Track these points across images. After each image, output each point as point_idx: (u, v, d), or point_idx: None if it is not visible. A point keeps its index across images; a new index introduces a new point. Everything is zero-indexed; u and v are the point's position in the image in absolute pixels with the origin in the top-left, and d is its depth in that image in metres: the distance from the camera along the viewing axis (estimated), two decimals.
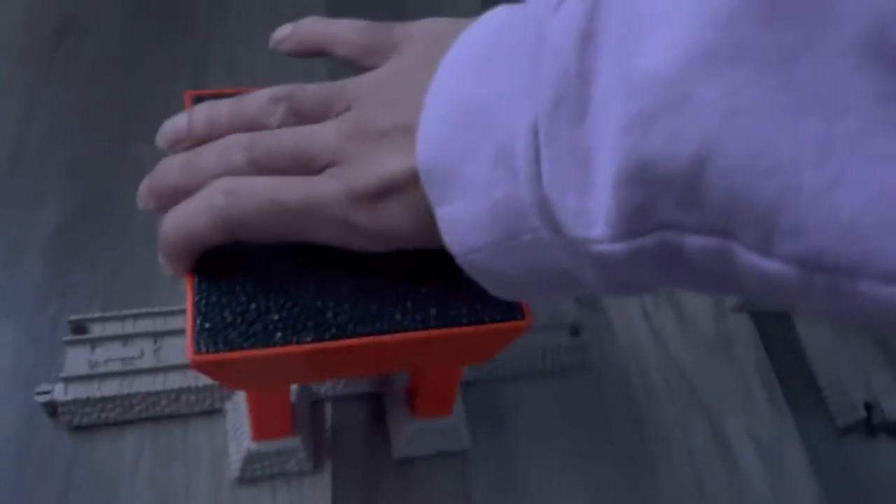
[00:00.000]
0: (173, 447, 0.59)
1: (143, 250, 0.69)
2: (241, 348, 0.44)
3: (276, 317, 0.46)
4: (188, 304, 0.45)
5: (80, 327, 0.62)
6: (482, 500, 0.59)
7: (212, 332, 0.44)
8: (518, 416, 0.64)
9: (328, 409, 0.63)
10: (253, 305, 0.46)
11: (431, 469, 0.60)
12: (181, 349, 0.62)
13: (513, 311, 0.48)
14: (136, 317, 0.63)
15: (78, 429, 0.59)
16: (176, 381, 0.60)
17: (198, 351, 0.44)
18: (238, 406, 0.59)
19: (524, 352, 0.66)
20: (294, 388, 0.60)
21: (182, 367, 0.60)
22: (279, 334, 0.45)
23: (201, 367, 0.44)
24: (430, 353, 0.49)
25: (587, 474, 0.61)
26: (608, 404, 0.66)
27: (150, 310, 0.63)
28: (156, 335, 0.62)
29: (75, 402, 0.58)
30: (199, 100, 0.56)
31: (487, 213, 0.37)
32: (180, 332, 0.62)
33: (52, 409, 0.58)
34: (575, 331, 0.68)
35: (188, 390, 0.60)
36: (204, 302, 0.46)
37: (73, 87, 0.81)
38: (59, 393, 0.58)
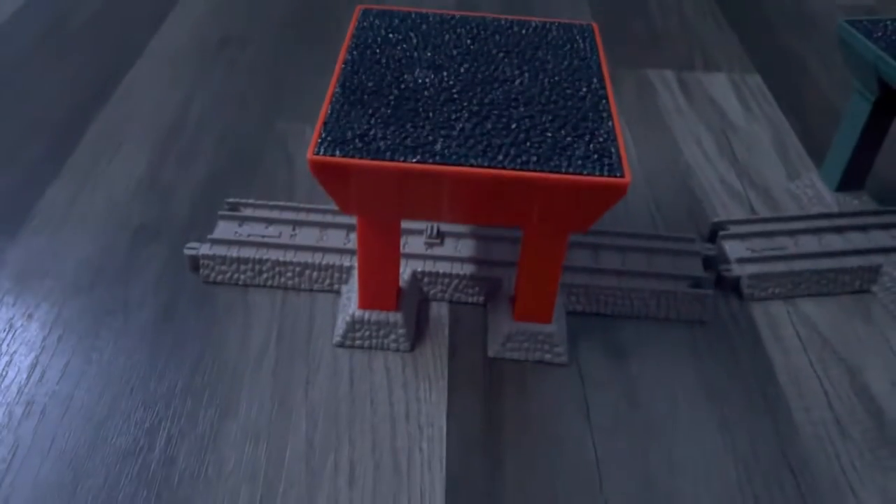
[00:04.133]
0: (299, 313, 0.64)
1: (285, 188, 0.77)
2: (353, 157, 0.49)
3: (389, 142, 0.50)
4: (321, 116, 0.51)
5: (234, 206, 0.70)
6: (603, 421, 0.57)
7: (332, 143, 0.50)
8: (640, 352, 0.62)
9: (435, 307, 0.65)
10: (373, 131, 0.51)
11: (537, 376, 0.60)
12: (313, 236, 0.67)
13: (612, 168, 0.49)
14: (282, 207, 0.70)
15: (215, 284, 0.66)
16: (303, 257, 0.65)
17: (317, 153, 0.49)
18: (351, 286, 0.63)
19: (638, 293, 0.64)
20: (404, 277, 0.63)
21: (310, 249, 0.66)
22: (388, 153, 0.49)
23: (317, 168, 0.49)
24: (528, 203, 0.50)
25: (717, 408, 0.58)
26: (737, 350, 0.62)
27: (295, 204, 0.70)
28: (295, 223, 0.69)
29: (214, 257, 0.65)
30: (367, 14, 0.65)
31: None
32: (315, 223, 0.68)
33: (194, 262, 0.66)
34: (696, 284, 0.65)
35: (311, 266, 0.65)
36: (334, 118, 0.51)
37: (230, 83, 0.94)
38: (205, 249, 0.65)
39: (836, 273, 0.68)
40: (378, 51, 0.59)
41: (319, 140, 0.50)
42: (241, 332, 0.62)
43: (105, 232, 0.71)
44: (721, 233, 0.70)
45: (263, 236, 0.67)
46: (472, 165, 0.49)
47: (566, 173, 0.49)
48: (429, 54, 0.58)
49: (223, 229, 0.68)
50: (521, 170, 0.49)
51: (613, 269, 0.65)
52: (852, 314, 0.66)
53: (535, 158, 0.49)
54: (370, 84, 0.55)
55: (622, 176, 0.49)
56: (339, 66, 0.57)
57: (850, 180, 0.75)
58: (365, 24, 0.62)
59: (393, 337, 0.60)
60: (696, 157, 0.85)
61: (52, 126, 0.84)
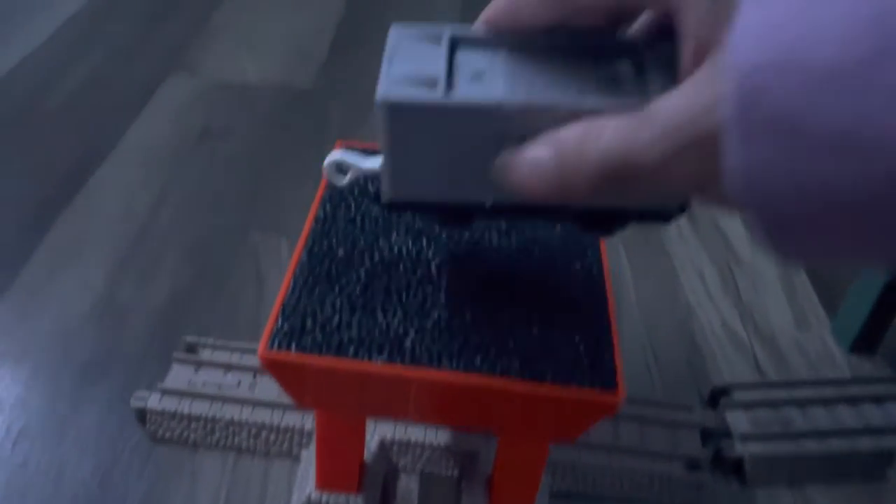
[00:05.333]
0: (251, 481, 0.57)
1: (251, 314, 0.71)
2: (311, 353, 0.43)
3: (354, 333, 0.44)
4: (276, 302, 0.45)
5: (191, 347, 0.64)
6: None
7: (288, 334, 0.44)
8: None
9: (404, 480, 0.58)
10: (336, 318, 0.45)
11: None
12: (274, 388, 0.61)
13: (604, 380, 0.43)
14: (244, 350, 0.64)
15: (162, 441, 0.59)
16: (260, 416, 0.59)
17: (270, 347, 0.43)
18: (311, 453, 0.57)
19: (632, 474, 0.58)
20: (370, 447, 0.57)
21: (270, 406, 0.60)
22: (351, 349, 0.43)
23: (269, 365, 0.43)
24: (505, 410, 0.44)
25: None
26: None
27: (257, 345, 0.64)
28: (256, 371, 0.63)
29: (163, 413, 0.59)
30: (349, 148, 0.59)
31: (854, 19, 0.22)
32: None
33: (142, 415, 0.59)
34: (693, 464, 0.59)
35: (269, 428, 0.58)
36: (292, 304, 0.45)
37: (206, 181, 0.88)
38: (154, 402, 0.59)
39: (848, 456, 0.61)
40: (353, 207, 0.53)
41: (275, 329, 0.44)
42: (185, 501, 0.56)
43: (47, 368, 0.64)
44: (723, 399, 0.64)
45: (220, 386, 0.61)
46: (444, 369, 0.43)
47: (551, 383, 0.43)
48: (409, 214, 0.53)
49: (176, 375, 0.62)
50: (500, 375, 0.43)
51: (603, 444, 0.59)
52: None
53: (516, 364, 0.43)
54: (340, 251, 0.49)
55: (614, 389, 0.43)
56: (308, 224, 0.51)
57: (865, 342, 0.69)
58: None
59: None
60: (697, 293, 0.79)
61: (9, 229, 0.79)
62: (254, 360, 0.64)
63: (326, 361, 0.43)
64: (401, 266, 0.49)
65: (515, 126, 0.38)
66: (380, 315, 0.46)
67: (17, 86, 1.03)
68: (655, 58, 0.41)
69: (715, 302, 0.78)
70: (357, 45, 1.20)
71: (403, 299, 0.47)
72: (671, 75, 0.40)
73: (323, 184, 0.56)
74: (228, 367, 0.63)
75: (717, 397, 0.66)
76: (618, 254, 0.84)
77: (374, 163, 0.44)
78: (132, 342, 0.67)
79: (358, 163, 0.46)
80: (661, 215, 0.41)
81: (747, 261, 0.84)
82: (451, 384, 0.43)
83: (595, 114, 0.35)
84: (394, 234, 0.51)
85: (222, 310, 0.72)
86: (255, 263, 0.77)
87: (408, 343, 0.44)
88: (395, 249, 0.50)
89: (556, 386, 0.43)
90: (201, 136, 0.96)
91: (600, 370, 0.44)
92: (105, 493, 0.55)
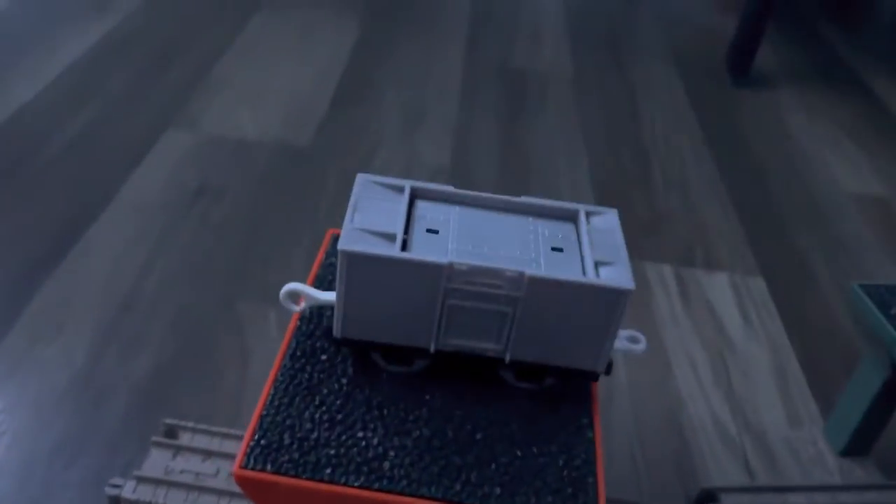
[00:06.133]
0: None
1: (234, 394, 0.70)
2: (286, 474, 0.42)
3: (332, 452, 0.43)
4: (254, 415, 0.44)
5: (171, 431, 0.63)
6: None
7: (265, 450, 0.43)
8: None
9: None
10: (315, 434, 0.44)
11: None
12: None
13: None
14: (224, 436, 0.63)
15: None
16: None
17: (244, 466, 0.42)
18: None
19: None
20: None
21: (248, 500, 0.58)
22: (328, 470, 0.42)
23: (243, 483, 0.42)
24: None
25: None
26: None
27: (239, 432, 0.63)
28: (235, 459, 0.61)
29: (138, 502, 0.57)
30: (337, 238, 0.59)
31: None
32: None
33: (116, 503, 0.58)
34: None
35: None
36: (270, 419, 0.44)
37: (197, 244, 0.88)
38: (129, 490, 0.58)
39: None
40: None
41: (251, 445, 0.43)
42: None
43: (19, 450, 0.63)
44: None
45: (198, 474, 0.60)
46: (422, 496, 0.42)
47: None
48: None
49: (154, 462, 0.60)
50: None
51: None
52: None
53: (497, 490, 0.42)
54: (323, 356, 0.48)
55: None
56: (291, 326, 0.51)
57: (857, 446, 0.68)
58: (333, 260, 0.56)
59: None
60: (688, 383, 0.78)
61: None
62: (233, 447, 0.62)
63: (302, 484, 0.42)
64: (384, 375, 0.48)
65: (462, 283, 0.42)
66: (359, 431, 0.45)
67: (12, 137, 1.02)
68: (597, 226, 0.47)
69: (706, 394, 0.77)
70: (357, 102, 1.20)
71: (384, 414, 0.46)
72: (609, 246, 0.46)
73: (318, 260, 0.55)
74: (208, 454, 0.61)
75: (704, 500, 0.65)
76: None
77: (325, 295, 0.48)
78: (110, 421, 0.66)
79: (312, 294, 0.47)
80: (588, 374, 0.46)
81: (741, 346, 0.83)
82: None
83: (533, 278, 0.41)
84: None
85: (205, 389, 0.70)
86: (241, 337, 0.76)
87: (386, 465, 0.43)
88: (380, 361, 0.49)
89: None
90: (195, 196, 0.95)
91: (582, 501, 0.43)
92: None
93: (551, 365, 0.46)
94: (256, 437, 0.43)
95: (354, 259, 0.43)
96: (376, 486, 0.42)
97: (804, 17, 1.80)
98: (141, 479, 0.59)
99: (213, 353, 0.74)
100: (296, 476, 0.42)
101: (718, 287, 0.92)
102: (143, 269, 0.83)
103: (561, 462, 0.45)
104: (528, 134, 1.18)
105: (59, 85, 1.15)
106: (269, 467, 0.42)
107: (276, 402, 0.46)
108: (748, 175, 1.16)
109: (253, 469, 0.42)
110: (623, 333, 0.50)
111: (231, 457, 0.61)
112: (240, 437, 0.63)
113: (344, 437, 0.44)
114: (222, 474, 0.60)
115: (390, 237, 0.44)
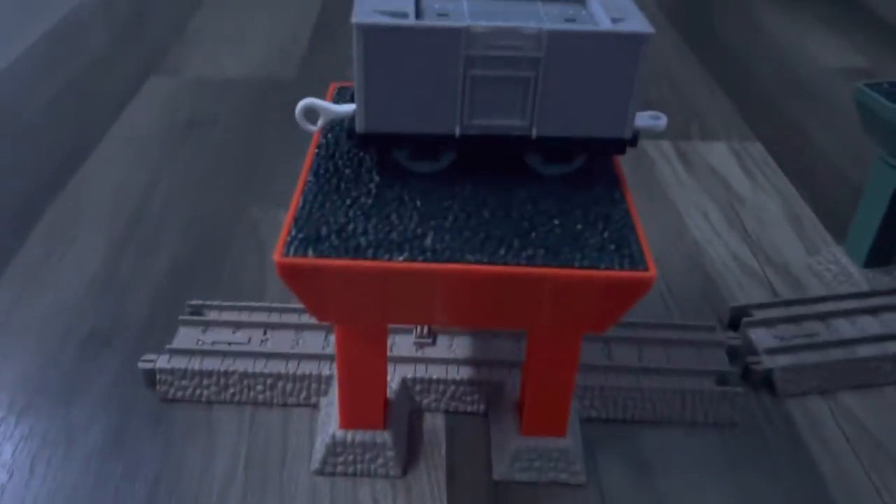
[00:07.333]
0: (271, 433, 0.55)
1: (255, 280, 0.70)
2: (329, 256, 0.41)
3: (371, 237, 0.43)
4: (289, 213, 0.44)
5: (197, 310, 0.62)
6: None
7: (304, 241, 0.42)
8: (667, 464, 0.54)
9: (429, 419, 0.56)
10: (351, 225, 0.43)
11: (552, 499, 0.51)
12: (287, 341, 0.59)
13: (634, 262, 0.42)
14: (251, 309, 0.62)
15: (174, 402, 0.57)
16: (275, 367, 0.57)
17: (286, 254, 0.41)
18: (331, 400, 0.55)
19: (662, 394, 0.56)
20: (392, 387, 0.55)
21: (283, 357, 0.58)
22: (371, 251, 0.42)
23: (286, 272, 0.41)
24: (535, 301, 0.43)
25: None
26: (776, 456, 0.54)
27: (266, 304, 0.62)
28: (266, 326, 0.61)
29: (174, 371, 0.56)
30: (343, 92, 0.58)
31: None
32: (289, 326, 0.60)
33: (150, 377, 0.57)
34: (723, 379, 0.58)
35: (284, 377, 0.56)
36: (305, 214, 0.44)
37: (198, 164, 0.87)
38: (163, 362, 0.57)
39: (878, 361, 0.60)
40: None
41: (289, 238, 0.42)
42: (204, 457, 0.53)
43: (49, 341, 0.62)
44: (745, 319, 0.63)
45: (230, 343, 0.59)
46: (468, 262, 0.41)
47: (579, 268, 0.41)
48: None
49: (184, 337, 0.59)
50: (526, 265, 0.41)
51: (630, 366, 0.58)
52: None
53: (542, 251, 0.42)
54: (347, 170, 0.48)
55: (645, 269, 0.42)
56: (311, 151, 0.50)
57: (879, 255, 0.69)
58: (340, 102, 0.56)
59: (381, 461, 0.52)
60: (704, 232, 0.78)
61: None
62: (263, 317, 0.62)
63: (346, 263, 0.41)
64: (411, 175, 0.47)
65: (481, 49, 0.41)
66: (395, 219, 0.44)
67: None
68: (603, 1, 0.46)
69: (723, 238, 0.77)
70: (336, 38, 1.20)
71: (418, 204, 0.45)
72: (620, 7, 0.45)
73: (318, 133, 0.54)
74: (237, 326, 0.61)
75: (736, 318, 0.65)
76: None
77: (343, 107, 0.47)
78: (135, 313, 0.65)
79: (327, 107, 0.47)
80: (615, 144, 0.45)
81: (749, 198, 0.84)
82: (479, 276, 0.41)
83: (553, 32, 0.40)
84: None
85: (226, 278, 0.69)
86: (255, 235, 0.75)
87: (427, 242, 0.43)
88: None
89: (587, 270, 0.41)
90: (187, 126, 0.94)
91: (628, 252, 0.43)
92: (119, 454, 0.53)
93: (577, 137, 0.45)
94: (293, 232, 0.43)
95: (371, 34, 0.41)
96: (420, 258, 0.41)
97: None
98: (174, 352, 0.58)
99: (230, 249, 0.73)
100: (339, 258, 0.41)
101: (718, 153, 0.92)
102: (148, 187, 0.82)
103: (600, 226, 0.44)
104: None
105: (36, 50, 1.13)
106: (310, 252, 0.42)
107: (307, 207, 0.45)
108: (731, 63, 1.17)
109: (296, 255, 0.41)
110: (644, 113, 0.50)
111: (261, 325, 0.61)
112: (268, 309, 0.62)
113: (381, 225, 0.44)
114: (255, 341, 0.59)
115: (403, 14, 0.43)
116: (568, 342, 0.47)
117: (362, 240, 0.42)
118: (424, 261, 0.41)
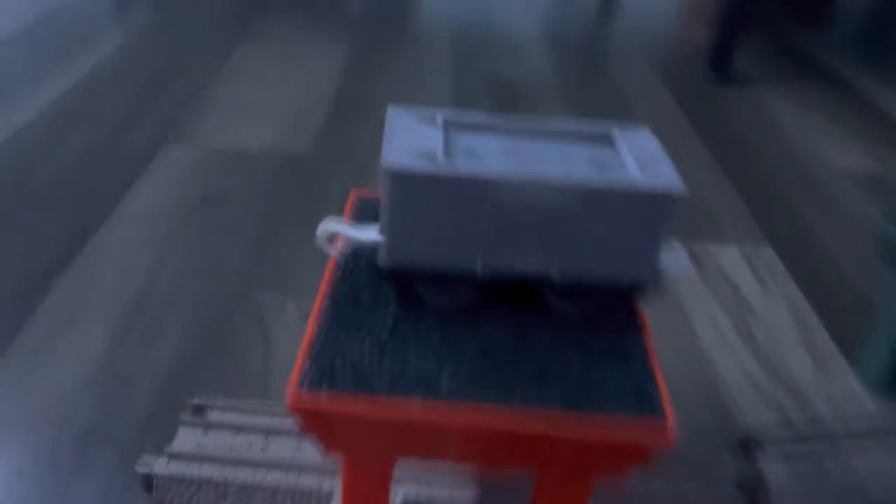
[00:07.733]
0: None
1: (259, 375, 0.69)
2: (342, 391, 0.40)
3: (386, 375, 0.42)
4: (304, 341, 0.43)
5: (199, 409, 0.61)
6: None
7: (318, 376, 0.41)
8: None
9: None
10: (366, 360, 0.43)
11: None
12: (289, 448, 0.58)
13: (654, 408, 0.41)
14: (254, 411, 0.61)
15: None
16: (275, 478, 0.55)
17: (300, 386, 0.40)
18: None
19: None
20: (396, 497, 0.54)
21: (284, 468, 0.56)
22: (386, 388, 0.41)
23: (299, 410, 0.40)
24: (549, 449, 0.42)
25: None
26: None
27: (270, 404, 0.61)
28: (268, 432, 0.59)
29: (171, 478, 0.55)
30: (362, 199, 0.58)
31: None
32: (292, 432, 0.59)
33: (148, 482, 0.56)
34: (741, 486, 0.56)
35: (284, 490, 0.55)
36: (318, 348, 0.43)
37: (206, 245, 0.87)
38: (161, 466, 0.56)
39: None
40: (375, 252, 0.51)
41: (303, 373, 0.41)
42: None
43: (45, 435, 0.61)
44: (759, 452, 0.62)
45: (231, 448, 0.58)
46: (483, 406, 0.41)
47: (596, 415, 0.40)
48: None
49: (184, 439, 0.58)
50: (541, 410, 0.40)
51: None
52: None
53: (557, 397, 0.41)
54: (364, 296, 0.47)
55: (663, 419, 0.41)
56: (329, 270, 0.50)
57: (892, 384, 0.68)
58: (359, 209, 0.56)
59: None
60: (713, 342, 0.77)
61: (3, 296, 0.76)
62: (265, 421, 0.60)
63: (361, 404, 0.40)
64: (430, 308, 0.47)
65: (510, 198, 0.42)
66: (411, 357, 0.44)
67: (8, 158, 1.01)
68: (631, 144, 0.46)
69: (734, 351, 0.77)
70: (352, 115, 1.21)
71: (434, 341, 0.45)
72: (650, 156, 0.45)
73: (346, 216, 0.54)
74: (239, 429, 0.59)
75: (747, 444, 0.63)
76: None
77: (365, 234, 0.46)
78: (135, 407, 0.64)
79: (350, 233, 0.46)
80: (638, 287, 0.45)
81: (760, 307, 0.83)
82: (494, 423, 0.40)
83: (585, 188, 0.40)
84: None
85: (229, 372, 0.68)
86: (261, 324, 0.74)
87: (443, 383, 0.42)
88: (423, 293, 0.48)
89: (601, 414, 0.40)
90: (199, 203, 0.94)
91: (646, 401, 0.42)
92: None
93: (599, 281, 0.45)
94: (307, 364, 0.42)
95: (399, 178, 0.42)
96: (435, 400, 0.41)
97: (769, 20, 1.86)
98: (173, 456, 0.56)
99: (234, 340, 0.72)
100: (353, 395, 0.40)
101: (729, 256, 0.92)
102: (153, 270, 0.81)
103: (618, 372, 0.44)
104: None
105: (53, 111, 1.14)
106: (324, 387, 0.41)
107: (322, 336, 0.44)
108: (741, 160, 1.18)
109: (309, 390, 0.40)
110: (669, 252, 0.49)
111: (264, 430, 0.59)
112: (273, 412, 0.61)
113: (396, 363, 0.43)
114: (255, 447, 0.58)
115: (432, 157, 0.43)
116: (579, 486, 0.45)
117: (377, 377, 0.42)
118: (439, 400, 0.41)
